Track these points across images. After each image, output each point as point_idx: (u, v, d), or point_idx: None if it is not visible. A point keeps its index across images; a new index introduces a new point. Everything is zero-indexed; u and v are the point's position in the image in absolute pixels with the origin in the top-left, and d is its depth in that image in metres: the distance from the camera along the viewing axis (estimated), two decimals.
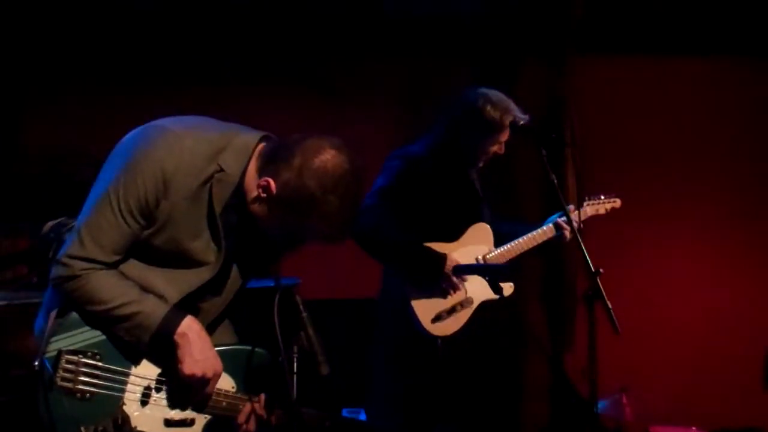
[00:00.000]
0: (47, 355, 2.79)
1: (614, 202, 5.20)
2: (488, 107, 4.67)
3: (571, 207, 4.98)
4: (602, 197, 5.17)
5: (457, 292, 4.70)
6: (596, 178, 5.39)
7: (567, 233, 4.87)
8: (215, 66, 6.10)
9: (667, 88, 6.75)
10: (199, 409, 3.02)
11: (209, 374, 2.93)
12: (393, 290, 4.78)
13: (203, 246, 2.95)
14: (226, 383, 3.07)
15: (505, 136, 4.76)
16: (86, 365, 2.82)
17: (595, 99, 6.58)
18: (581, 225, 5.01)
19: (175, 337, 2.88)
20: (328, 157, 2.83)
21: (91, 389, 2.82)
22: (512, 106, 4.71)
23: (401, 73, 6.38)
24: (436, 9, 6.28)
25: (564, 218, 4.84)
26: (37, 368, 2.77)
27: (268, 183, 2.84)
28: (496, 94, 4.74)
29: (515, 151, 4.99)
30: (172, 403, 2.98)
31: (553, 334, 6.54)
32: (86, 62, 5.91)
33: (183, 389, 2.96)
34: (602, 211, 5.16)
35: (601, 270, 4.13)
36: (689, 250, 6.71)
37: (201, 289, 2.98)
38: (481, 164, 4.89)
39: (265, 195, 2.86)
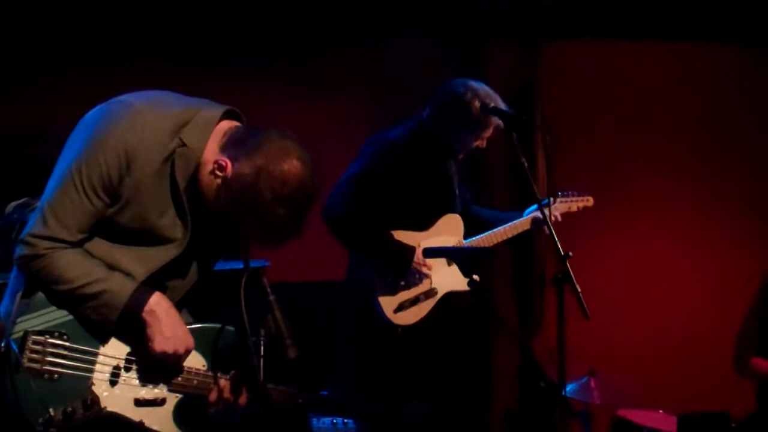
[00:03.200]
0: (13, 336, 2.76)
1: (587, 200, 5.21)
2: (476, 102, 4.65)
3: (550, 200, 4.99)
4: (576, 194, 5.17)
5: (422, 283, 4.70)
6: (567, 162, 5.40)
7: (545, 228, 4.87)
8: (183, 44, 6.05)
9: (638, 73, 6.78)
10: (169, 384, 3.00)
11: (181, 350, 2.90)
12: (358, 276, 4.79)
13: (169, 222, 2.92)
14: (196, 362, 3.05)
15: (488, 133, 4.76)
16: (53, 346, 2.80)
17: (566, 82, 6.60)
18: (556, 219, 5.01)
19: (143, 314, 2.85)
20: (290, 168, 2.79)
21: (59, 370, 2.79)
22: (500, 102, 4.69)
23: (369, 53, 6.35)
24: None
25: (539, 213, 4.84)
26: (3, 350, 2.74)
27: (226, 164, 2.82)
28: (484, 89, 4.71)
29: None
30: (144, 380, 2.96)
31: (522, 318, 6.57)
32: (49, 40, 5.84)
33: (154, 366, 2.93)
34: (574, 208, 5.16)
35: (570, 254, 4.13)
36: (659, 234, 6.75)
37: (168, 266, 2.96)
38: (460, 157, 4.89)
39: (219, 173, 2.83)
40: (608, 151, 6.62)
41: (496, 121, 4.68)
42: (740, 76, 6.86)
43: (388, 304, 4.66)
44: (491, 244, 4.95)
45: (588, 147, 6.48)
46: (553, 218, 4.94)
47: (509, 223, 4.97)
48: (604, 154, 6.56)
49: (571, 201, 5.16)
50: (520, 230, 4.99)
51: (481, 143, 4.82)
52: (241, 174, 2.79)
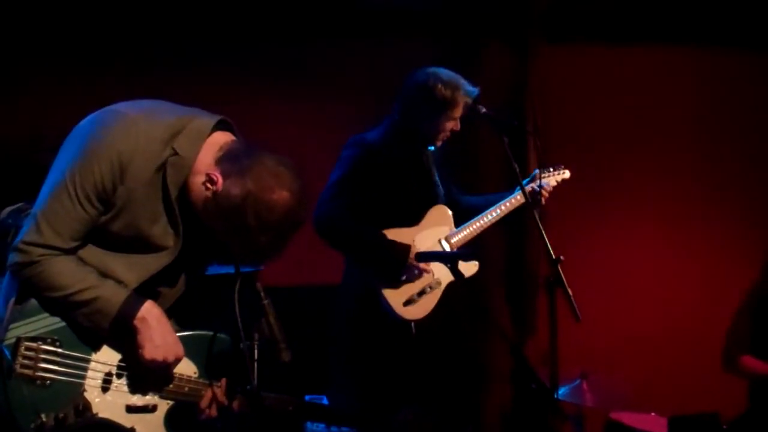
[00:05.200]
0: (6, 342, 2.77)
1: (563, 173, 5.23)
2: (439, 85, 4.71)
3: (538, 172, 5.03)
4: (551, 169, 5.20)
5: (424, 276, 4.72)
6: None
7: (544, 198, 4.91)
8: (179, 49, 6.05)
9: (631, 78, 6.77)
10: (158, 393, 3.02)
11: (170, 359, 2.92)
12: (356, 276, 4.80)
13: (161, 231, 2.94)
14: (188, 369, 3.07)
15: (458, 112, 4.79)
16: (46, 352, 2.81)
17: (559, 87, 6.60)
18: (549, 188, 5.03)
19: (135, 322, 2.87)
20: (278, 199, 2.80)
21: (51, 376, 2.81)
22: (462, 81, 4.76)
23: (364, 57, 6.36)
24: None
25: (533, 184, 4.89)
26: None
27: (217, 179, 2.84)
28: (445, 72, 4.78)
29: (477, 138, 5.01)
30: (133, 389, 2.98)
31: (514, 321, 6.58)
32: (42, 45, 5.84)
33: (143, 374, 2.95)
34: (553, 182, 5.18)
35: (562, 257, 4.15)
36: (651, 237, 6.75)
37: (159, 273, 2.97)
38: (439, 143, 4.91)
39: (209, 185, 2.85)
40: (601, 155, 6.63)
41: (464, 98, 4.72)
42: (736, 80, 6.86)
43: (396, 299, 4.67)
44: (484, 228, 4.96)
45: (581, 151, 6.48)
46: (549, 187, 4.99)
47: (498, 205, 4.99)
48: (597, 159, 6.56)
49: (549, 176, 5.17)
50: (511, 209, 5.00)
51: (455, 125, 4.84)
52: (230, 193, 2.81)
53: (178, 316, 3.14)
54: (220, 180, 2.83)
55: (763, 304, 5.23)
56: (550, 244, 4.22)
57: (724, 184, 6.80)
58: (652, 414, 5.33)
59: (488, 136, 4.87)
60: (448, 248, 4.89)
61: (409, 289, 4.71)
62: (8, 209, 3.12)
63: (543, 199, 4.98)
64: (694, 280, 6.71)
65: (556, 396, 4.33)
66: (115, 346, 2.94)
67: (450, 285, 4.82)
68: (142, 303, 2.89)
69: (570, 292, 4.09)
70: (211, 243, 3.04)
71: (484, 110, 4.68)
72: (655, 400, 5.51)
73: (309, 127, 6.03)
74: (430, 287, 4.76)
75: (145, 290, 2.95)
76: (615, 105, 6.73)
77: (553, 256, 4.17)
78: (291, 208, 2.82)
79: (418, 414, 3.49)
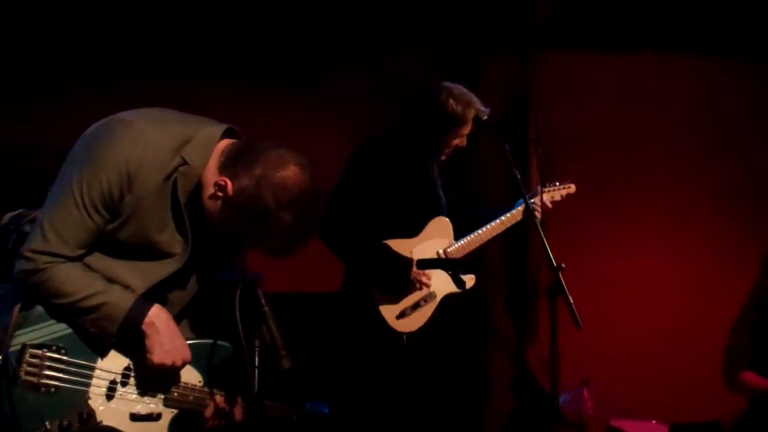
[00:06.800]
0: (11, 349, 2.77)
1: (569, 187, 5.24)
2: (451, 101, 4.71)
3: (539, 188, 5.03)
4: (557, 183, 5.21)
5: (421, 289, 4.73)
6: (560, 175, 5.44)
7: (538, 214, 4.90)
8: (182, 60, 6.06)
9: (632, 85, 6.80)
10: (165, 393, 3.02)
11: (179, 363, 2.93)
12: (355, 285, 4.80)
13: (169, 238, 2.94)
14: (192, 377, 3.07)
15: (467, 130, 4.80)
16: (51, 359, 2.81)
17: (560, 95, 6.62)
18: (546, 206, 5.03)
19: (143, 326, 2.87)
20: (289, 173, 2.82)
21: (56, 383, 2.81)
22: (474, 99, 4.76)
23: (367, 67, 6.37)
24: (400, 3, 6.29)
25: (531, 201, 4.89)
26: (0, 362, 2.75)
27: (226, 183, 2.84)
28: (458, 88, 4.78)
29: (479, 146, 5.02)
30: (143, 391, 2.98)
31: (516, 328, 6.58)
32: (48, 52, 5.85)
33: (152, 378, 2.96)
34: (558, 197, 5.19)
35: (563, 265, 4.16)
36: (652, 245, 6.76)
37: (168, 279, 2.98)
38: (443, 157, 4.91)
39: (220, 194, 2.86)
40: (602, 163, 6.65)
41: (473, 116, 4.73)
42: (735, 88, 6.89)
43: (389, 311, 4.68)
44: (483, 242, 4.97)
45: (582, 159, 6.50)
46: (544, 207, 4.99)
47: (498, 219, 4.99)
48: (598, 166, 6.58)
49: (554, 190, 5.18)
50: (509, 224, 5.01)
51: (461, 141, 4.85)
52: (242, 188, 2.82)
53: (189, 321, 3.15)
54: (229, 183, 2.84)
55: (763, 314, 5.21)
56: (552, 252, 4.22)
57: (726, 191, 6.81)
58: (653, 422, 5.33)
59: (490, 143, 4.87)
60: None
61: (404, 302, 4.73)
62: (9, 215, 3.12)
63: (538, 215, 4.97)
64: (696, 288, 6.72)
65: (557, 403, 4.33)
66: (122, 351, 2.94)
67: (446, 298, 4.83)
68: (149, 307, 2.89)
69: (571, 300, 4.10)
70: (220, 248, 3.05)
71: (486, 118, 4.69)
72: (656, 408, 5.52)
73: (313, 138, 6.01)
74: (425, 300, 4.77)
75: (153, 296, 2.95)
76: (616, 113, 6.75)
77: (555, 264, 4.17)
78: (304, 180, 2.84)
79: (419, 424, 3.49)
